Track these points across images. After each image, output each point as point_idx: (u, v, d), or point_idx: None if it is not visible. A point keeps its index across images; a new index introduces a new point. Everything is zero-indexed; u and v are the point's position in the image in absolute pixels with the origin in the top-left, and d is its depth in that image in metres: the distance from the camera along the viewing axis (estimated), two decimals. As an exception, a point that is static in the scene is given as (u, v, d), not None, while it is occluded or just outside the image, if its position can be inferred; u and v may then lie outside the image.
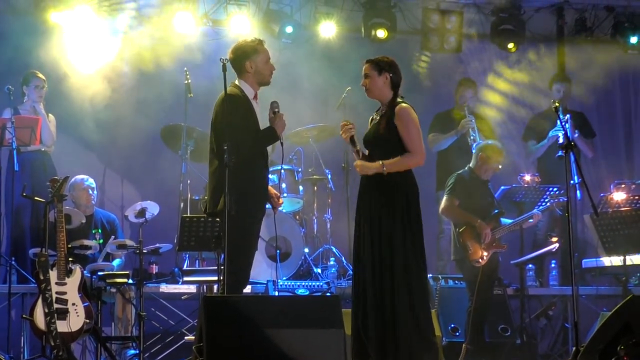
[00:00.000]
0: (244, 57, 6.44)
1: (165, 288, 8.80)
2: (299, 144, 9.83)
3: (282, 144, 6.49)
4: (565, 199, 7.41)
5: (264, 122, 6.48)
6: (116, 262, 8.67)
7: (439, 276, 8.88)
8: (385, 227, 6.21)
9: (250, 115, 6.39)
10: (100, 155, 10.35)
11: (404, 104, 6.34)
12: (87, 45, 9.68)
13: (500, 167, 8.51)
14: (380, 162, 6.24)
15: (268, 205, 6.62)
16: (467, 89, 9.97)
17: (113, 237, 8.68)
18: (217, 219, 6.72)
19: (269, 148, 6.73)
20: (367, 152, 6.47)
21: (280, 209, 7.45)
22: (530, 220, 8.48)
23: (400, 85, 6.44)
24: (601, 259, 8.94)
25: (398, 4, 10.60)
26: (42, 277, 7.10)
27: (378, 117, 6.45)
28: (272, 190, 6.64)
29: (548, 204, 8.74)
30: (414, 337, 6.09)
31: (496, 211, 8.34)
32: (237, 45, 6.53)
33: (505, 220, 8.41)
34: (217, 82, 6.56)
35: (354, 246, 6.40)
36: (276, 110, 6.46)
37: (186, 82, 9.51)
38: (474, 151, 8.77)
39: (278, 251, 8.99)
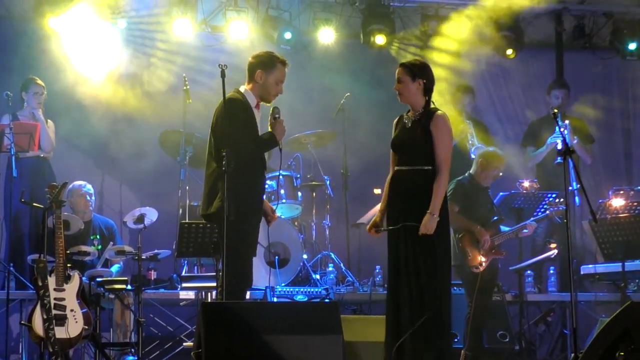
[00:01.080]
0: (258, 66, 6.45)
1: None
2: (298, 150, 9.81)
3: (281, 149, 6.49)
4: (564, 207, 7.39)
5: (263, 131, 6.47)
6: (115, 268, 8.66)
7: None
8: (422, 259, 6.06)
9: (251, 121, 6.40)
10: (98, 161, 10.33)
11: (440, 112, 6.21)
12: (85, 51, 9.68)
13: (500, 173, 8.49)
14: (429, 213, 5.99)
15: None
16: (465, 95, 9.97)
17: (111, 243, 8.67)
18: (215, 224, 6.70)
19: (266, 154, 6.73)
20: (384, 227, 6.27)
21: (278, 214, 7.45)
22: (525, 231, 8.41)
23: (433, 89, 6.27)
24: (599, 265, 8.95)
25: (397, 10, 10.61)
26: (40, 284, 7.09)
27: (410, 123, 6.24)
28: (267, 204, 6.64)
29: (547, 212, 8.70)
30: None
31: (495, 218, 8.33)
32: (260, 53, 6.57)
33: (504, 228, 8.40)
34: (215, 89, 6.56)
35: (390, 260, 6.18)
36: (277, 116, 6.46)
37: (185, 88, 9.51)
38: (472, 157, 8.76)
39: (277, 257, 9.00)
